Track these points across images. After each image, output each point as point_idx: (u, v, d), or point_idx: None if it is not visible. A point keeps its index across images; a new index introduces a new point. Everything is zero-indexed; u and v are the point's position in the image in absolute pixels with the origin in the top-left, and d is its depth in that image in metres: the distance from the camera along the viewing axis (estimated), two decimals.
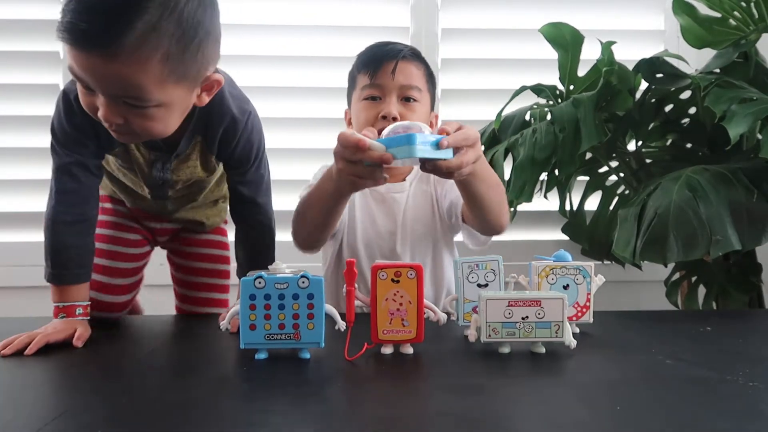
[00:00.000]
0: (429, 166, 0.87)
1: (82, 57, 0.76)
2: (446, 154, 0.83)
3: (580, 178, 1.65)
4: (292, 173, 1.67)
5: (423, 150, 0.80)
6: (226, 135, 0.99)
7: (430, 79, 1.26)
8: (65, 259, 0.96)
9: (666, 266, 1.54)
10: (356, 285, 0.82)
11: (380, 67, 1.20)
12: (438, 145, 0.82)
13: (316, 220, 1.08)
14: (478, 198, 1.01)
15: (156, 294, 1.37)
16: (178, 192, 1.09)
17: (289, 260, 1.21)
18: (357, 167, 0.86)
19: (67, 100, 0.94)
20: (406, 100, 1.20)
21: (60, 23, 0.76)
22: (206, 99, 0.90)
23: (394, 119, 1.17)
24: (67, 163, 0.96)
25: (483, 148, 1.04)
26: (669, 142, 1.60)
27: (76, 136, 0.95)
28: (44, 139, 1.54)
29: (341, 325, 0.82)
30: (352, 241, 1.24)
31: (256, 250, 1.09)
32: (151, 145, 0.98)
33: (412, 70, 1.21)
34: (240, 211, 1.07)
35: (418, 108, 1.21)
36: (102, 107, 0.80)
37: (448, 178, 0.91)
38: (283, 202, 1.64)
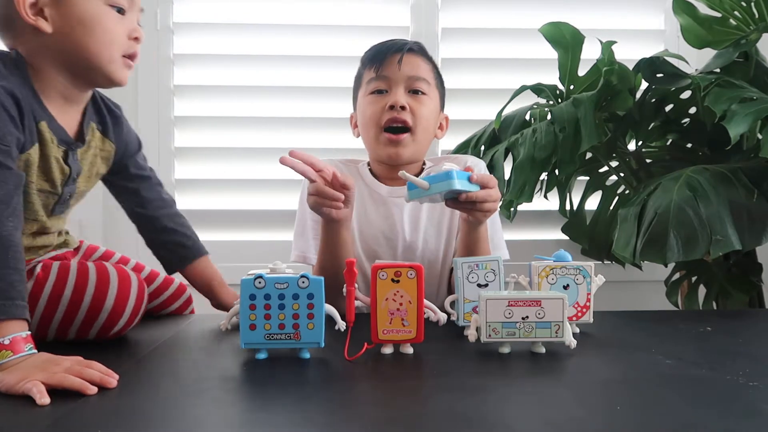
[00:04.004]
0: (450, 203, 1.00)
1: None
2: (474, 188, 0.98)
3: (580, 178, 1.65)
4: (293, 173, 1.66)
5: (459, 183, 0.94)
6: (114, 118, 1.00)
7: (438, 76, 1.25)
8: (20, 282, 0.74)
9: (666, 266, 1.54)
10: (356, 285, 0.82)
11: (385, 59, 1.19)
12: (468, 179, 0.97)
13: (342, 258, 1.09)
14: (473, 242, 1.10)
15: None
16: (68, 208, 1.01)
17: (289, 260, 1.21)
18: (323, 199, 1.02)
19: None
20: (413, 92, 1.19)
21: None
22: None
23: (402, 108, 1.16)
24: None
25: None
26: (669, 141, 1.60)
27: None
28: None
29: (341, 325, 0.82)
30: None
31: (188, 223, 1.11)
32: (61, 138, 0.90)
33: (419, 62, 1.21)
34: (156, 196, 1.09)
35: (427, 101, 1.20)
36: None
37: (469, 210, 1.02)
38: (285, 202, 1.65)
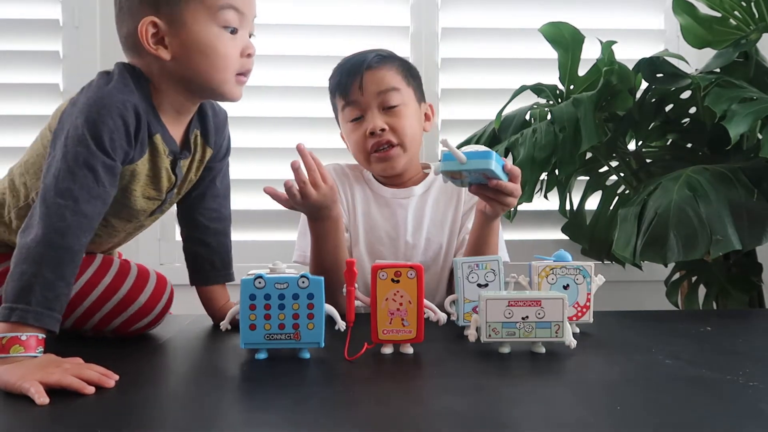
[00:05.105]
0: (474, 188, 1.00)
1: None
2: (505, 177, 0.98)
3: (580, 178, 1.65)
4: (290, 173, 1.66)
5: (495, 165, 0.94)
6: (218, 121, 1.02)
7: (409, 72, 1.23)
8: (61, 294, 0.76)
9: (666, 266, 1.53)
10: (356, 285, 0.82)
11: (348, 85, 1.19)
12: (503, 167, 0.97)
13: (335, 255, 1.09)
14: (485, 236, 1.11)
15: None
16: (156, 216, 1.04)
17: (289, 260, 1.21)
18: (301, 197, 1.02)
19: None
20: (388, 108, 1.18)
21: None
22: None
23: (382, 130, 1.17)
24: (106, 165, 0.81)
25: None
26: (669, 141, 1.59)
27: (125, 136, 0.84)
28: None
29: (341, 325, 0.82)
30: (354, 245, 1.23)
31: (229, 246, 1.11)
32: (171, 149, 0.93)
33: (382, 74, 1.19)
34: (216, 207, 1.08)
35: (402, 111, 1.19)
36: None
37: (491, 200, 1.02)
38: None
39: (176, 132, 0.94)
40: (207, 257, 1.07)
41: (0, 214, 0.91)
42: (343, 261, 1.09)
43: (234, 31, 0.89)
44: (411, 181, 1.27)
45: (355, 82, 1.18)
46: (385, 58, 1.21)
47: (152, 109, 0.89)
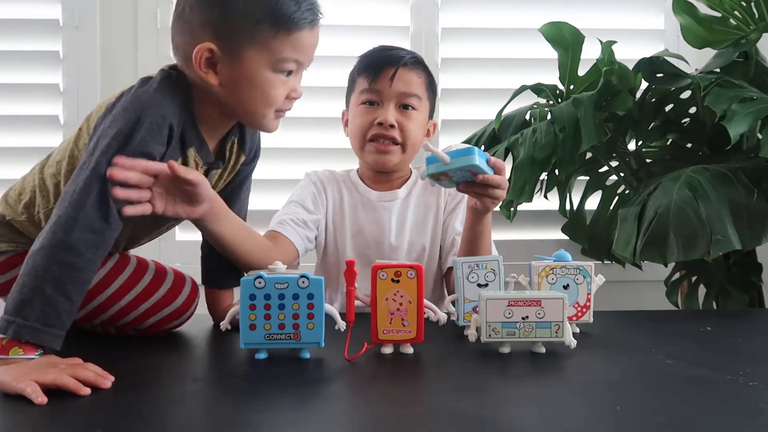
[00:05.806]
0: (463, 186, 1.00)
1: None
2: (491, 171, 0.98)
3: (580, 178, 1.65)
4: (290, 173, 1.66)
5: (479, 160, 0.93)
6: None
7: (431, 87, 1.25)
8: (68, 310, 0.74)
9: (666, 266, 1.54)
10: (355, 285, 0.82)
11: (380, 72, 1.19)
12: (487, 161, 0.97)
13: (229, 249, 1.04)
14: (478, 234, 1.09)
15: None
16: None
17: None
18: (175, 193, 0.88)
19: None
20: (404, 107, 1.20)
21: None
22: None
23: (391, 126, 1.18)
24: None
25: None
26: (669, 141, 1.59)
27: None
28: (44, 139, 1.54)
29: (341, 325, 0.82)
30: (341, 249, 1.23)
31: None
32: (205, 160, 0.93)
33: (413, 77, 1.21)
34: (236, 212, 1.06)
35: (416, 116, 1.21)
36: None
37: (480, 195, 1.01)
38: (282, 202, 1.65)
39: (214, 140, 0.94)
40: (223, 261, 1.06)
41: (30, 213, 0.90)
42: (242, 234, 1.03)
43: (289, 74, 0.89)
44: (396, 183, 1.27)
45: (388, 72, 1.19)
46: (419, 63, 1.24)
47: (191, 120, 0.88)
